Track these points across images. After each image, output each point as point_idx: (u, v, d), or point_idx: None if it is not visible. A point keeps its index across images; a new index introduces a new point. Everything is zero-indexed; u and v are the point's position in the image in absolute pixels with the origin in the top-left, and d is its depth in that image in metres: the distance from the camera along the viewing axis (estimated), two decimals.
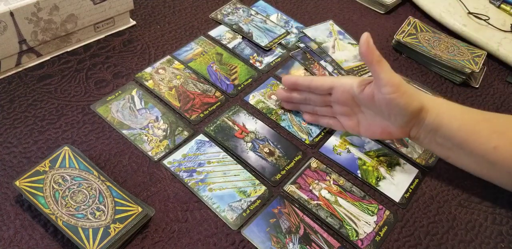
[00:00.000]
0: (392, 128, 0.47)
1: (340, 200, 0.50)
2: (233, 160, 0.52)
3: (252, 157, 0.53)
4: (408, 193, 0.52)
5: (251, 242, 0.46)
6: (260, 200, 0.49)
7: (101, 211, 0.43)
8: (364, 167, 0.54)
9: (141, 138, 0.53)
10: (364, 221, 0.49)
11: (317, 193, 0.50)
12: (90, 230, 0.42)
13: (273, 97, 0.59)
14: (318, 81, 0.51)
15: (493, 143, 0.45)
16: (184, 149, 0.52)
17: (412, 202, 0.51)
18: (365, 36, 0.43)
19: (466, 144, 0.45)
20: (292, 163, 0.53)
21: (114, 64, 0.61)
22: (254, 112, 0.58)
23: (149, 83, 0.58)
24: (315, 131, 0.56)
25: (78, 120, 0.54)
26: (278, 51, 0.66)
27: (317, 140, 0.55)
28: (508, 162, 0.45)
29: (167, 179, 0.50)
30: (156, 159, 0.51)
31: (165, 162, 0.51)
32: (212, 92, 0.59)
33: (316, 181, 0.51)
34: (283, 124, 0.57)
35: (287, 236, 0.46)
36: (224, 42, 0.65)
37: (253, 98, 0.59)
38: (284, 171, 0.52)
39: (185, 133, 0.54)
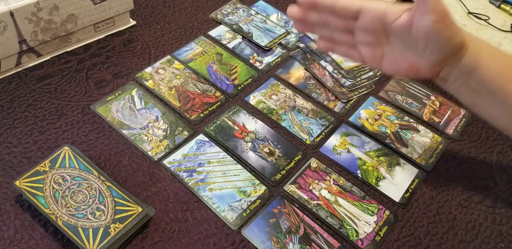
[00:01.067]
0: (422, 65, 0.41)
1: (340, 200, 0.50)
2: (233, 160, 0.52)
3: (252, 157, 0.53)
4: (408, 193, 0.52)
5: (251, 242, 0.46)
6: (260, 200, 0.49)
7: (101, 211, 0.43)
8: (364, 167, 0.54)
9: (141, 138, 0.53)
10: (364, 221, 0.49)
11: (317, 193, 0.50)
12: (90, 230, 0.42)
13: (274, 97, 0.59)
14: (345, 1, 0.42)
15: None
16: (184, 149, 0.52)
17: (412, 202, 0.51)
18: None
19: (502, 92, 0.41)
20: (292, 163, 0.53)
21: (114, 64, 0.61)
22: (254, 112, 0.57)
23: (149, 83, 0.58)
24: (316, 131, 0.56)
25: (78, 120, 0.54)
26: (278, 51, 0.66)
27: (318, 140, 0.55)
28: None
29: (167, 179, 0.50)
30: (156, 159, 0.51)
31: (165, 162, 0.51)
32: (212, 92, 0.59)
33: (316, 181, 0.51)
34: (284, 124, 0.57)
35: (287, 236, 0.46)
36: (224, 42, 0.65)
37: (253, 99, 0.59)
38: (284, 171, 0.52)
39: (185, 133, 0.54)
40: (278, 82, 0.61)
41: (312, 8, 0.44)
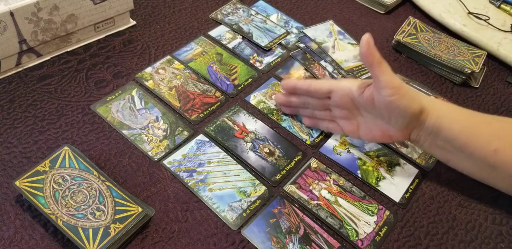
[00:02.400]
0: (392, 131, 0.47)
1: (340, 200, 0.50)
2: (233, 160, 0.52)
3: (252, 157, 0.53)
4: (408, 193, 0.52)
5: (251, 242, 0.46)
6: (260, 200, 0.49)
7: (101, 211, 0.43)
8: (364, 167, 0.54)
9: (141, 138, 0.53)
10: (364, 221, 0.49)
11: (317, 193, 0.50)
12: (90, 230, 0.42)
13: (274, 97, 0.59)
14: (316, 85, 0.51)
15: (493, 146, 0.44)
16: (184, 149, 0.52)
17: (412, 202, 0.51)
18: (366, 38, 0.42)
19: (467, 147, 0.45)
20: (292, 163, 0.53)
21: (114, 64, 0.61)
22: (255, 112, 0.58)
23: (149, 83, 0.58)
24: (316, 131, 0.56)
25: (78, 120, 0.54)
26: (278, 51, 0.66)
27: (318, 140, 0.55)
28: (509, 165, 0.44)
29: (167, 179, 0.50)
30: (156, 159, 0.51)
31: (165, 162, 0.51)
32: (212, 92, 0.59)
33: (316, 181, 0.51)
34: (284, 124, 0.57)
35: (287, 236, 0.46)
36: (224, 42, 0.65)
37: (254, 98, 0.59)
38: (284, 171, 0.52)
39: (185, 133, 0.54)
40: (279, 82, 0.61)
41: (293, 93, 0.54)
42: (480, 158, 0.45)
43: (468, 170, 0.49)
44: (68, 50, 0.61)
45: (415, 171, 0.54)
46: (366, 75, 0.63)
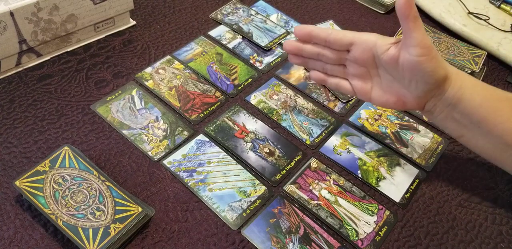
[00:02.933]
0: (409, 98, 0.43)
1: (340, 200, 0.50)
2: (233, 160, 0.52)
3: (252, 157, 0.53)
4: (409, 194, 0.52)
5: (251, 242, 0.46)
6: (260, 200, 0.49)
7: (101, 211, 0.43)
8: (365, 167, 0.54)
9: (141, 138, 0.53)
10: (364, 221, 0.49)
11: (317, 193, 0.50)
12: (90, 230, 0.42)
13: (275, 97, 0.59)
14: (337, 34, 0.44)
15: None
16: (184, 149, 0.52)
17: (412, 202, 0.51)
18: None
19: (485, 122, 0.42)
20: (292, 163, 0.53)
21: (114, 64, 0.61)
22: (255, 112, 0.57)
23: (149, 83, 0.58)
24: (316, 131, 0.56)
25: (78, 120, 0.54)
26: (278, 51, 0.66)
27: (318, 140, 0.55)
28: None
29: (167, 179, 0.50)
30: (156, 159, 0.51)
31: (165, 162, 0.51)
32: (212, 92, 0.59)
33: (316, 181, 0.51)
34: (284, 124, 0.57)
35: (287, 236, 0.46)
36: (224, 42, 0.65)
37: (254, 98, 0.59)
38: (284, 171, 0.52)
39: (185, 133, 0.54)
40: (280, 82, 0.61)
41: (307, 40, 0.47)
42: (497, 135, 0.42)
43: (480, 148, 0.45)
44: (68, 50, 0.61)
45: (415, 171, 0.54)
46: None
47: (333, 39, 0.45)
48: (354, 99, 0.61)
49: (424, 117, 0.60)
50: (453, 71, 0.42)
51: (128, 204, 0.44)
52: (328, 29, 0.46)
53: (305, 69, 0.63)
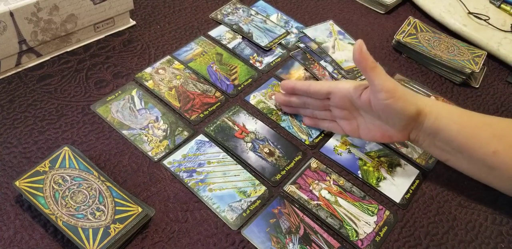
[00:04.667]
0: (392, 132, 0.47)
1: (340, 200, 0.50)
2: (233, 160, 0.52)
3: (252, 157, 0.52)
4: (409, 194, 0.52)
5: (251, 242, 0.46)
6: (260, 200, 0.49)
7: (101, 211, 0.43)
8: (365, 167, 0.54)
9: (141, 138, 0.53)
10: (364, 221, 0.49)
11: (317, 193, 0.50)
12: (90, 230, 0.42)
13: (274, 97, 0.59)
14: (316, 86, 0.51)
15: (492, 147, 0.44)
16: (184, 149, 0.52)
17: (412, 202, 0.51)
18: (358, 43, 0.43)
19: (465, 148, 0.45)
20: (292, 163, 0.53)
21: (114, 64, 0.61)
22: (254, 112, 0.57)
23: (149, 83, 0.58)
24: (315, 132, 0.56)
25: (78, 120, 0.54)
26: (278, 51, 0.66)
27: (316, 141, 0.55)
28: (508, 167, 0.44)
29: (167, 179, 0.50)
30: (156, 159, 0.51)
31: (165, 162, 0.51)
32: (212, 92, 0.59)
33: (316, 181, 0.51)
34: (283, 124, 0.57)
35: (287, 236, 0.46)
36: (224, 42, 0.65)
37: (254, 98, 0.59)
38: (284, 171, 0.52)
39: (185, 133, 0.54)
40: (279, 82, 0.61)
41: (293, 93, 0.54)
42: (479, 159, 0.45)
43: (466, 171, 0.49)
44: (68, 50, 0.61)
45: (415, 171, 0.54)
46: None
47: (312, 91, 0.51)
48: None
49: None
50: (426, 103, 0.46)
51: (128, 204, 0.44)
52: (307, 82, 0.53)
53: (305, 69, 0.63)
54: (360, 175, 0.53)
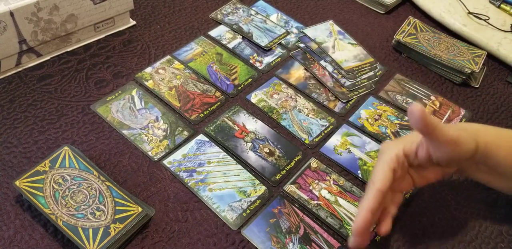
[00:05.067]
0: (446, 170, 0.46)
1: (340, 200, 0.50)
2: (233, 160, 0.52)
3: (252, 157, 0.52)
4: (409, 194, 0.52)
5: (251, 242, 0.46)
6: (260, 200, 0.49)
7: (101, 211, 0.43)
8: (365, 167, 0.54)
9: (141, 138, 0.53)
10: None
11: (317, 193, 0.50)
12: (90, 230, 0.42)
13: (275, 96, 0.59)
14: (385, 182, 0.42)
15: None
16: (184, 149, 0.52)
17: (412, 202, 0.51)
18: (418, 109, 0.36)
19: (510, 171, 0.44)
20: (292, 163, 0.53)
21: (114, 64, 0.61)
22: (255, 111, 0.57)
23: (149, 83, 0.58)
24: (316, 131, 0.56)
25: (78, 120, 0.54)
26: (278, 51, 0.66)
27: (316, 140, 0.55)
28: None
29: (167, 179, 0.50)
30: (156, 159, 0.51)
31: (165, 162, 0.51)
32: (212, 92, 0.59)
33: (316, 181, 0.51)
34: (283, 123, 0.57)
35: (287, 236, 0.46)
36: (224, 42, 0.65)
37: (255, 97, 0.59)
38: (284, 171, 0.52)
39: (185, 133, 0.54)
40: (281, 81, 0.61)
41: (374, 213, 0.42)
42: None
43: (507, 190, 0.48)
44: (68, 50, 0.61)
45: None
46: (366, 75, 0.63)
47: (389, 185, 0.42)
48: (354, 99, 0.61)
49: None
50: (480, 134, 0.43)
51: (128, 204, 0.44)
52: (372, 197, 0.41)
53: (305, 69, 0.63)
54: (360, 175, 0.53)
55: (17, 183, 0.44)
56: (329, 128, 0.57)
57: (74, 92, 0.57)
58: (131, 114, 0.55)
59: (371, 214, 0.40)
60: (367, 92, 0.62)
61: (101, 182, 0.45)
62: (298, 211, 0.49)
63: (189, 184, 0.49)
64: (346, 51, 0.65)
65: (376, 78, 0.64)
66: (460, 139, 0.40)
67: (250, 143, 0.54)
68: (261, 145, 0.54)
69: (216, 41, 0.65)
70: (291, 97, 0.60)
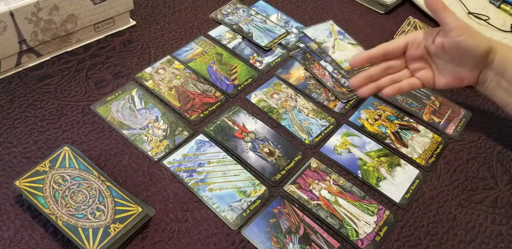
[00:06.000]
0: (464, 73, 0.49)
1: (340, 200, 0.50)
2: (233, 160, 0.52)
3: (252, 157, 0.53)
4: (409, 194, 0.52)
5: (251, 242, 0.46)
6: (260, 200, 0.49)
7: (101, 211, 0.43)
8: (365, 167, 0.54)
9: (141, 138, 0.53)
10: (364, 221, 0.49)
11: (317, 193, 0.50)
12: (90, 230, 0.42)
13: (275, 96, 0.59)
14: (392, 44, 0.51)
15: None
16: (184, 149, 0.52)
17: (412, 202, 0.51)
18: None
19: None
20: (292, 163, 0.53)
21: (114, 64, 0.61)
22: (255, 111, 0.57)
23: (149, 83, 0.58)
24: (316, 131, 0.56)
25: (78, 120, 0.54)
26: (278, 51, 0.66)
27: (316, 140, 0.55)
28: None
29: (167, 179, 0.50)
30: (156, 159, 0.51)
31: (165, 162, 0.51)
32: (212, 92, 0.59)
33: (316, 181, 0.51)
34: (283, 123, 0.57)
35: (287, 236, 0.46)
36: (224, 42, 0.65)
37: (255, 97, 0.59)
38: (284, 171, 0.52)
39: (185, 133, 0.54)
40: (281, 82, 0.61)
41: (370, 61, 0.52)
42: None
43: None
44: (68, 50, 0.61)
45: (416, 171, 0.54)
46: None
47: (391, 49, 0.51)
48: (354, 99, 0.61)
49: (425, 117, 0.60)
50: (496, 42, 0.48)
51: (128, 204, 0.44)
52: (378, 46, 0.51)
53: (305, 69, 0.63)
54: (360, 175, 0.53)
55: (17, 183, 0.44)
56: (329, 128, 0.57)
57: (74, 92, 0.57)
58: (131, 114, 0.55)
59: (367, 56, 0.51)
60: None
61: (101, 182, 0.45)
62: (298, 211, 0.49)
63: (189, 184, 0.49)
64: (346, 51, 0.65)
65: None
66: (468, 29, 0.46)
67: (250, 143, 0.54)
68: (261, 145, 0.54)
69: (216, 41, 0.65)
70: (291, 97, 0.60)
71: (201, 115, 0.56)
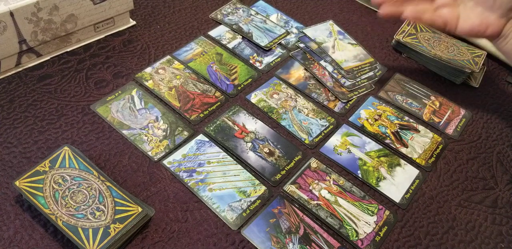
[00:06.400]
0: (491, 19, 0.48)
1: (340, 200, 0.50)
2: (233, 160, 0.52)
3: (252, 157, 0.53)
4: (409, 194, 0.52)
5: (251, 242, 0.46)
6: (260, 200, 0.49)
7: (101, 211, 0.43)
8: (365, 167, 0.54)
9: (141, 138, 0.53)
10: (364, 221, 0.49)
11: (317, 193, 0.50)
12: (90, 230, 0.42)
13: (275, 96, 0.59)
14: None
15: None
16: (184, 149, 0.52)
17: (412, 202, 0.51)
18: None
19: None
20: (292, 163, 0.53)
21: (114, 64, 0.61)
22: (255, 111, 0.57)
23: (149, 83, 0.58)
24: (316, 131, 0.56)
25: (78, 120, 0.54)
26: (278, 51, 0.66)
27: (316, 140, 0.55)
28: None
29: (167, 179, 0.50)
30: (156, 159, 0.51)
31: (165, 162, 0.51)
32: (212, 92, 0.59)
33: (316, 181, 0.51)
34: (283, 123, 0.57)
35: (287, 236, 0.46)
36: (224, 42, 0.65)
37: (255, 97, 0.59)
38: (284, 171, 0.52)
39: (185, 133, 0.54)
40: (280, 82, 0.61)
41: None
42: None
43: None
44: (68, 50, 0.61)
45: (416, 171, 0.54)
46: (366, 75, 0.63)
47: None
48: (354, 99, 0.61)
49: (425, 117, 0.60)
50: None
51: (128, 204, 0.44)
52: None
53: (305, 69, 0.63)
54: (360, 175, 0.53)
55: (17, 183, 0.44)
56: (329, 128, 0.57)
57: (74, 92, 0.57)
58: (131, 114, 0.55)
59: None
60: (367, 92, 0.62)
61: (101, 182, 0.45)
62: (298, 211, 0.49)
63: (189, 184, 0.49)
64: (346, 51, 0.65)
65: (376, 78, 0.64)
66: None
67: (250, 143, 0.54)
68: (261, 145, 0.54)
69: (216, 41, 0.65)
70: (291, 97, 0.60)
71: (201, 115, 0.56)
